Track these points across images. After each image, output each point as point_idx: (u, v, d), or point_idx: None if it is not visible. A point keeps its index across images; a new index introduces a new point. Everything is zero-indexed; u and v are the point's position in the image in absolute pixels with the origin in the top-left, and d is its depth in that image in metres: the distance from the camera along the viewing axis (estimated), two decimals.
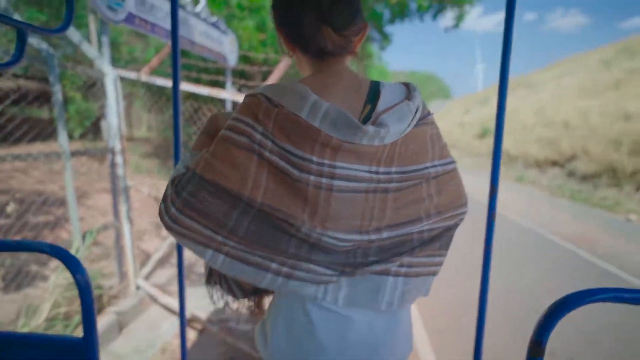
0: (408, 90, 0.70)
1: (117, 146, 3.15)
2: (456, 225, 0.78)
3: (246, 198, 0.62)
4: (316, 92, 0.63)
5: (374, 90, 0.68)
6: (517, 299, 4.16)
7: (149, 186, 6.22)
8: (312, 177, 0.61)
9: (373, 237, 0.65)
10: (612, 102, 16.76)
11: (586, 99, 20.27)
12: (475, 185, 12.77)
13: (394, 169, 0.65)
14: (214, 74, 6.08)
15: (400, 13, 8.13)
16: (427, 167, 0.69)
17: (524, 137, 17.88)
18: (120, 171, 3.21)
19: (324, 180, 0.61)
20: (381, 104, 0.66)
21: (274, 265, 0.64)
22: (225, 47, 5.41)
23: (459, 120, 32.86)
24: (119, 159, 3.19)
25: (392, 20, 8.96)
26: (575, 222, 7.91)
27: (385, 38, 11.10)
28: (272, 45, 7.25)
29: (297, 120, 0.61)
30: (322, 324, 0.69)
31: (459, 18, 7.89)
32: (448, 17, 8.08)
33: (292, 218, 0.62)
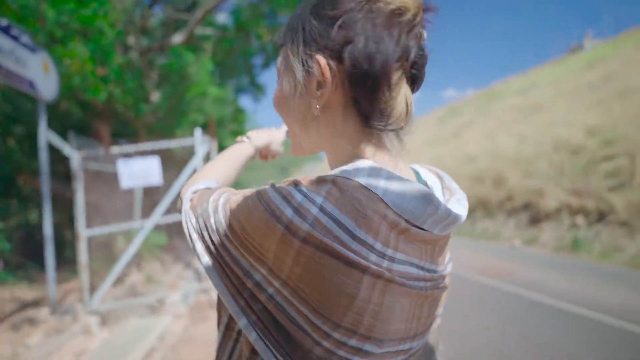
0: (438, 176, 0.59)
1: None
2: None
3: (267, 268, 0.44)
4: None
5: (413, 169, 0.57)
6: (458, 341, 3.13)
7: None
8: (371, 266, 0.42)
9: (408, 345, 0.50)
10: (457, 148, 19.06)
11: (435, 148, 22.92)
12: None
13: (435, 267, 0.51)
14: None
15: (275, 54, 7.41)
16: (446, 268, 0.55)
17: None
18: None
19: (384, 272, 0.43)
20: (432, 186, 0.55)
21: None
22: (33, 70, 3.63)
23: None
24: None
25: (267, 64, 8.25)
26: (476, 256, 7.67)
27: (259, 89, 10.41)
28: (119, 84, 5.57)
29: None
30: None
31: None
32: None
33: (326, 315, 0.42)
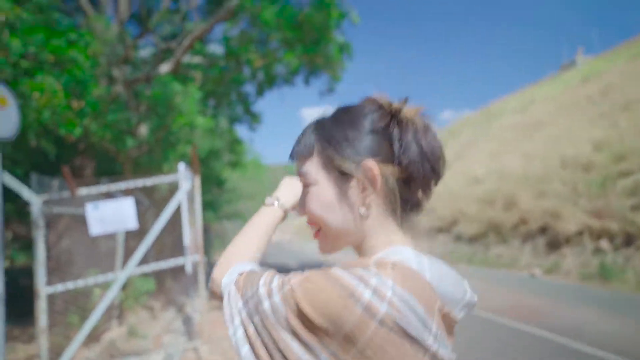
0: None
1: None
2: None
3: (329, 352, 0.45)
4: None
5: None
6: None
7: None
8: (431, 348, 0.44)
9: None
10: (461, 170, 18.47)
11: None
12: None
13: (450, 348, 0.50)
14: None
15: (268, 81, 7.00)
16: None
17: None
18: None
19: (437, 353, 0.45)
20: None
21: None
22: None
23: None
24: None
25: (260, 92, 7.79)
26: (495, 290, 6.91)
27: (254, 118, 9.93)
28: (97, 117, 5.05)
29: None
30: None
31: (334, 78, 7.08)
32: (322, 81, 7.25)
33: None
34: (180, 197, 3.82)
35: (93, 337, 4.87)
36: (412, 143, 0.52)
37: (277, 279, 0.50)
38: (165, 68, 6.48)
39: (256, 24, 6.45)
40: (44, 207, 3.72)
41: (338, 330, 0.43)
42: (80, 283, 3.69)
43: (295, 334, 0.45)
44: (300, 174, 0.59)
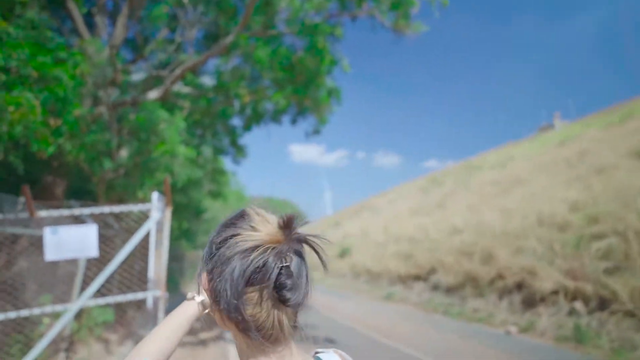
0: (342, 357, 0.80)
1: None
2: None
3: None
4: None
5: None
6: None
7: None
8: None
9: None
10: (441, 219, 18.56)
11: (419, 217, 22.41)
12: (351, 311, 10.98)
13: None
14: None
15: (255, 117, 6.99)
16: None
17: (379, 253, 17.88)
18: None
19: None
20: None
21: None
22: None
23: None
24: None
25: (247, 127, 7.76)
26: (468, 345, 6.68)
27: (240, 150, 9.86)
28: (74, 137, 4.90)
29: None
30: None
31: (321, 121, 7.11)
32: (309, 122, 7.28)
33: None
34: (148, 227, 3.62)
35: None
36: (229, 273, 0.63)
37: None
38: (153, 95, 6.44)
39: (249, 61, 6.55)
40: None
41: None
42: (24, 312, 3.37)
43: None
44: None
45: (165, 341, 0.71)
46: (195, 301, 0.75)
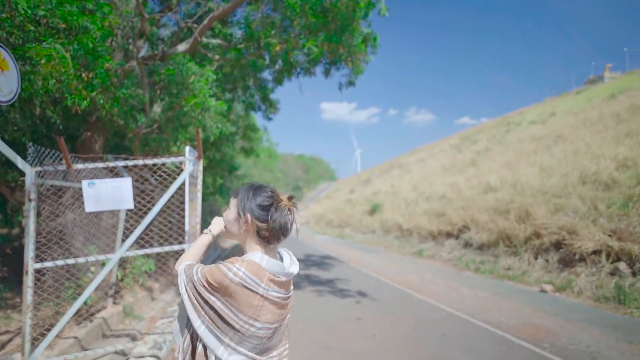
0: (288, 253, 1.41)
1: None
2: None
3: (218, 294, 1.22)
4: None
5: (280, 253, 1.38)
6: None
7: None
8: (260, 292, 1.21)
9: (275, 325, 1.28)
10: (474, 177, 17.84)
11: (451, 175, 21.69)
12: (381, 265, 10.95)
13: (286, 293, 1.28)
14: None
15: (287, 68, 6.60)
16: (291, 292, 1.33)
17: (410, 210, 17.63)
18: None
19: (264, 294, 1.22)
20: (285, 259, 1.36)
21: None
22: None
23: (347, 198, 32.99)
24: None
25: (278, 80, 7.41)
26: (501, 302, 6.50)
27: (271, 106, 9.60)
28: (106, 91, 4.80)
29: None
30: None
31: (355, 71, 6.64)
32: (343, 73, 6.81)
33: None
34: (182, 179, 3.55)
35: (86, 315, 4.67)
36: (276, 221, 1.24)
37: (198, 267, 1.23)
38: (182, 47, 6.20)
39: (279, 8, 6.10)
40: (39, 179, 3.49)
41: (219, 286, 1.16)
42: (70, 261, 3.45)
43: (206, 289, 1.17)
44: (231, 201, 1.34)
45: (195, 255, 1.41)
46: (210, 234, 1.44)
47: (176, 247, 3.70)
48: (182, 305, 1.24)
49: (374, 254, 14.21)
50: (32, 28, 3.90)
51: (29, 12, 3.84)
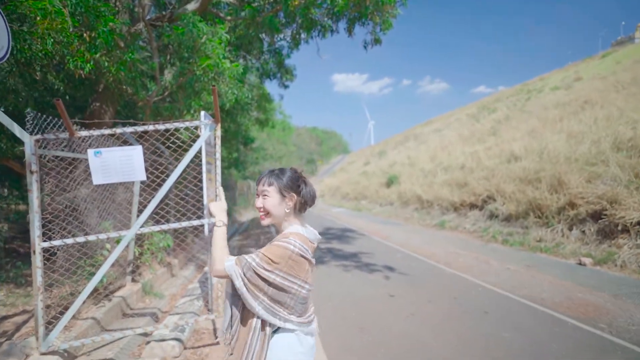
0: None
1: None
2: None
3: (279, 269, 1.39)
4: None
5: None
6: None
7: None
8: (309, 258, 1.45)
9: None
10: (495, 146, 17.01)
11: (470, 145, 20.82)
12: (404, 238, 10.51)
13: (312, 255, 1.48)
14: None
15: (306, 25, 5.91)
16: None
17: (429, 181, 17.04)
18: None
19: (310, 260, 1.45)
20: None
21: None
22: None
23: (362, 170, 32.43)
24: None
25: (295, 42, 6.74)
26: (537, 275, 6.05)
27: (287, 72, 8.98)
28: (110, 53, 4.33)
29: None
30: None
31: (384, 27, 5.89)
32: (368, 30, 6.08)
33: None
34: (199, 145, 3.11)
35: (105, 294, 4.42)
36: (307, 192, 1.49)
37: (255, 254, 1.39)
38: (191, 6, 5.62)
39: None
40: (41, 150, 3.10)
41: (282, 260, 1.35)
42: (81, 239, 3.11)
43: (266, 269, 1.34)
44: (263, 190, 1.47)
45: (226, 249, 1.48)
46: (224, 225, 1.57)
47: (195, 223, 3.32)
48: (232, 293, 1.43)
49: (395, 226, 13.82)
50: None
51: None
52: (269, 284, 1.33)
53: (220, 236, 1.49)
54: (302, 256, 1.37)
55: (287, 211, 1.44)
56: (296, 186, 1.45)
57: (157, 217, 4.71)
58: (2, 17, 2.83)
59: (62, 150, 3.48)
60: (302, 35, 6.57)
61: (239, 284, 1.34)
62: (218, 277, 1.42)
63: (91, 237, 3.14)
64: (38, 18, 3.50)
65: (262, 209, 1.46)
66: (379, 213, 18.54)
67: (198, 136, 3.63)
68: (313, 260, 1.45)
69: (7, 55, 2.83)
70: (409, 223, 14.50)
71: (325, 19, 5.82)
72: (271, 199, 1.44)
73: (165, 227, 3.38)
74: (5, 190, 6.86)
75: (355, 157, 53.82)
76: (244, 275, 1.34)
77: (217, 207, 1.61)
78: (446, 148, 23.01)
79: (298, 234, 1.41)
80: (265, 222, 1.48)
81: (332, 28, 6.02)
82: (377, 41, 6.16)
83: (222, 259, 1.40)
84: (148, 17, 5.76)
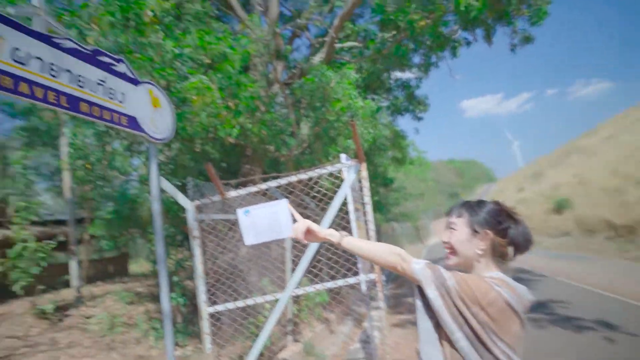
0: None
1: None
2: None
3: (477, 307, 1.11)
4: None
5: None
6: None
7: None
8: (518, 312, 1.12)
9: None
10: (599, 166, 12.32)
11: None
12: (605, 279, 8.02)
13: None
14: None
15: (438, 44, 5.27)
16: None
17: (618, 201, 13.28)
18: None
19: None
20: None
21: None
22: (134, 105, 2.59)
23: (517, 198, 28.12)
24: None
25: (426, 66, 6.17)
26: None
27: (420, 103, 8.34)
28: (250, 117, 4.52)
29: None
30: None
31: (535, 19, 4.79)
32: (509, 30, 5.10)
33: None
34: (344, 191, 2.71)
35: (268, 357, 4.26)
36: (518, 232, 1.14)
37: (451, 273, 1.10)
38: (318, 58, 5.72)
39: None
40: (200, 214, 3.18)
41: (482, 301, 1.02)
42: (240, 303, 2.95)
43: (462, 299, 1.03)
44: (451, 222, 1.21)
45: (376, 243, 1.24)
46: (346, 235, 1.27)
47: (351, 280, 2.84)
48: (421, 310, 1.14)
49: (581, 261, 10.91)
50: (178, 65, 3.82)
51: (175, 51, 3.80)
52: (464, 320, 1.03)
53: (359, 240, 1.24)
54: (510, 307, 1.03)
55: (480, 253, 1.15)
56: (496, 222, 1.15)
57: (311, 275, 4.46)
58: (167, 99, 3.04)
59: (217, 212, 3.56)
60: (432, 59, 5.98)
61: (432, 293, 1.07)
62: (403, 274, 1.15)
63: (249, 301, 2.97)
64: (194, 96, 3.87)
65: (447, 244, 1.21)
66: (552, 246, 15.21)
67: (342, 181, 3.28)
68: (525, 320, 1.07)
69: (171, 135, 3.01)
70: (602, 256, 11.26)
71: (459, 31, 5.09)
72: (458, 233, 1.19)
73: (319, 286, 3.00)
74: (187, 252, 7.85)
75: (504, 184, 47.71)
76: (438, 288, 1.07)
77: (300, 224, 1.27)
78: (631, 157, 18.05)
79: (501, 280, 1.09)
80: (451, 261, 1.20)
81: (467, 40, 5.25)
82: (527, 39, 5.06)
83: (404, 258, 1.15)
84: (281, 79, 6.09)
